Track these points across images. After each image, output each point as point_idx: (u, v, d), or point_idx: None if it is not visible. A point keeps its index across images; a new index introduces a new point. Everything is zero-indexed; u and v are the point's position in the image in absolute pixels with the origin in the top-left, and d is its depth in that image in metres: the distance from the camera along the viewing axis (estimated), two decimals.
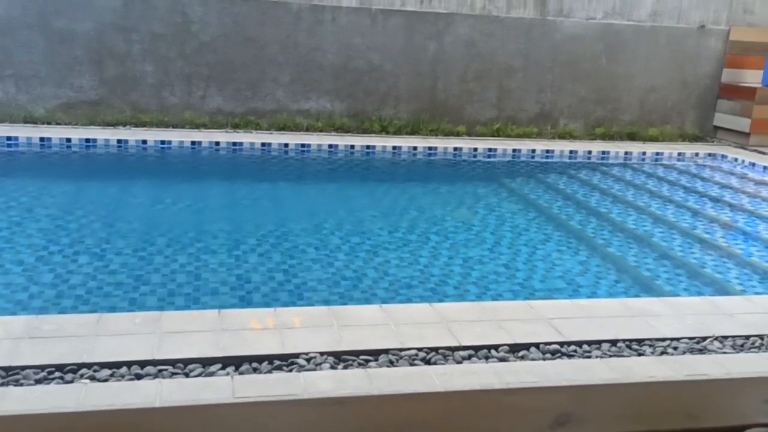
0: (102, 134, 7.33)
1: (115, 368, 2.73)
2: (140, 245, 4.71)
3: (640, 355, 3.12)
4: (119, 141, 7.22)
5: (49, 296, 3.84)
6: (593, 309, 3.61)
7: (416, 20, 8.50)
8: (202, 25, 7.96)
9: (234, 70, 8.15)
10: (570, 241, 5.41)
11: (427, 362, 2.94)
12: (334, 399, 0.94)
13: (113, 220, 5.34)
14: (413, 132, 8.57)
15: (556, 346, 3.13)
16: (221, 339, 2.99)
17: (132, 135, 7.39)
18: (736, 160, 8.42)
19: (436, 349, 3.03)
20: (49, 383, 2.62)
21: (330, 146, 7.70)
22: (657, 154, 8.58)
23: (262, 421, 0.88)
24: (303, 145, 7.65)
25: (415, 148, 7.94)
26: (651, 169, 8.06)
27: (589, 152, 8.39)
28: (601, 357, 3.07)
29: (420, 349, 3.02)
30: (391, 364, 2.90)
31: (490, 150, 8.13)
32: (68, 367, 2.70)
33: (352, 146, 7.77)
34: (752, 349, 3.25)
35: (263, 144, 7.55)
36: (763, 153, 8.65)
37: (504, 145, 8.27)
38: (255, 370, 2.79)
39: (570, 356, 3.08)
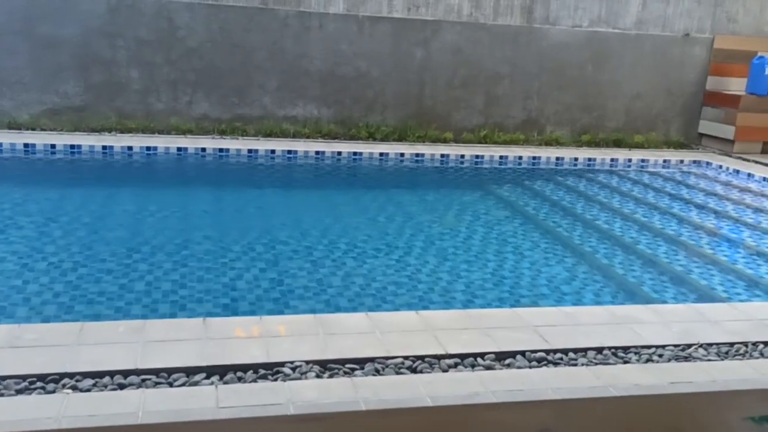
0: (87, 140, 7.27)
1: (97, 378, 2.69)
2: (125, 252, 4.67)
3: (625, 362, 3.13)
4: (104, 147, 7.17)
5: (32, 304, 3.80)
6: (579, 316, 3.61)
7: (403, 27, 8.52)
8: (188, 31, 7.93)
9: (220, 76, 8.12)
10: (556, 247, 5.43)
11: (413, 371, 2.93)
12: (318, 415, 0.94)
13: (98, 227, 5.29)
14: (400, 139, 8.58)
15: (542, 354, 3.13)
16: (206, 348, 2.96)
17: (117, 141, 7.34)
18: (720, 167, 8.49)
19: (422, 358, 3.02)
20: (30, 393, 2.58)
21: (317, 153, 7.68)
22: (642, 161, 8.63)
23: None
24: (290, 152, 7.63)
25: (402, 154, 7.95)
26: (637, 176, 8.11)
27: (576, 159, 8.43)
28: (587, 365, 3.07)
29: (406, 358, 3.00)
30: (377, 372, 2.89)
31: (477, 157, 8.15)
32: (50, 377, 2.67)
33: (339, 153, 7.76)
34: (737, 357, 3.26)
35: (250, 150, 7.53)
36: (747, 160, 8.72)
37: (491, 152, 8.30)
38: (240, 379, 2.77)
39: (556, 364, 3.07)
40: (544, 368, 3.03)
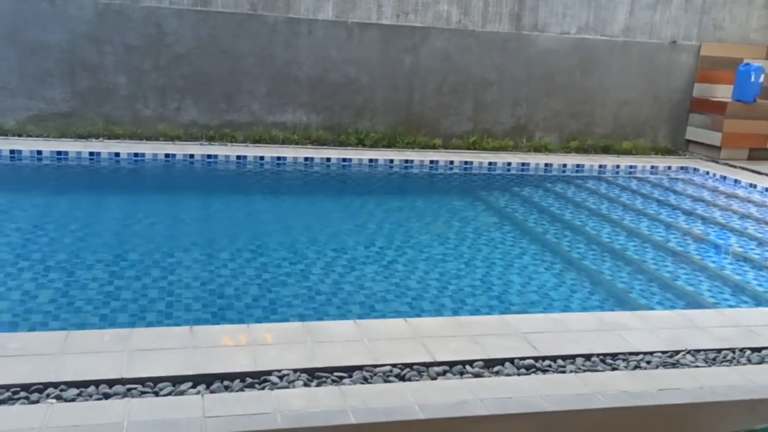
0: (74, 147, 7.23)
1: (82, 387, 2.66)
2: (111, 260, 4.63)
3: (614, 369, 3.13)
4: (91, 153, 7.12)
5: (16, 312, 3.76)
6: (567, 323, 3.61)
7: (392, 34, 8.53)
8: (176, 37, 7.91)
9: (209, 82, 8.10)
10: (545, 254, 5.43)
11: (402, 378, 2.92)
12: (308, 429, 0.92)
13: (84, 234, 5.25)
14: (390, 145, 8.58)
15: (531, 361, 3.13)
16: (192, 356, 2.94)
17: (105, 147, 7.30)
18: (707, 173, 8.54)
19: (410, 365, 3.01)
20: (14, 403, 2.55)
21: (306, 159, 7.67)
22: (630, 167, 8.67)
23: None
24: (279, 158, 7.61)
25: (391, 161, 7.95)
26: (625, 182, 8.14)
27: (564, 165, 8.46)
28: (575, 372, 3.07)
29: (394, 365, 2.99)
30: (365, 380, 2.88)
31: (466, 163, 8.16)
32: (34, 387, 2.64)
33: (329, 159, 7.75)
34: (724, 363, 3.27)
35: (238, 157, 7.50)
36: (734, 166, 8.78)
37: (480, 158, 8.31)
38: (227, 388, 2.75)
39: (544, 371, 3.07)
40: (533, 375, 3.02)
